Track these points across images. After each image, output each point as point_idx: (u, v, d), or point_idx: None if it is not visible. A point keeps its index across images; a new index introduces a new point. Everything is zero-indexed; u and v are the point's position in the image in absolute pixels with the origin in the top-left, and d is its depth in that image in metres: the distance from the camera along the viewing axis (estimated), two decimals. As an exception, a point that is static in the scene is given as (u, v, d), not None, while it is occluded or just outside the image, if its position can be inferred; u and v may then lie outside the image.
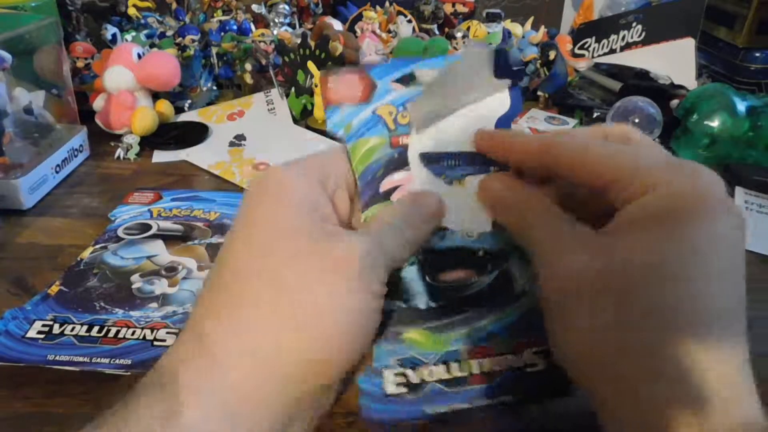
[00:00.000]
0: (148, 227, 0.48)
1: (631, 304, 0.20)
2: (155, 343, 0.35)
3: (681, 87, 0.71)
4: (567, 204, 0.25)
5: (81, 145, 0.63)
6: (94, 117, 0.68)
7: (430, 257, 0.27)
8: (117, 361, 0.34)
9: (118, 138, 0.66)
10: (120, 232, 0.47)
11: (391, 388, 0.27)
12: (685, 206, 0.21)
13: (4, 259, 0.47)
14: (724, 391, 0.20)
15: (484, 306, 0.28)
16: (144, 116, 0.65)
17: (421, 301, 0.27)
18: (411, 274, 0.27)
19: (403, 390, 0.27)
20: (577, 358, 0.22)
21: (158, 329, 0.37)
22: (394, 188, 0.27)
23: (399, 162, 0.27)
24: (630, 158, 0.23)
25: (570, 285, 0.22)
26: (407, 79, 0.28)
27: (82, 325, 0.37)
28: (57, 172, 0.58)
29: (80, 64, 0.72)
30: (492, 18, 1.01)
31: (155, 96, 0.70)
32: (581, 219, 0.24)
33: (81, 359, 0.34)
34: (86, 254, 0.44)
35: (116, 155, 0.64)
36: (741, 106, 0.62)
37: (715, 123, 0.62)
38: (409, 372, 0.27)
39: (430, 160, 0.28)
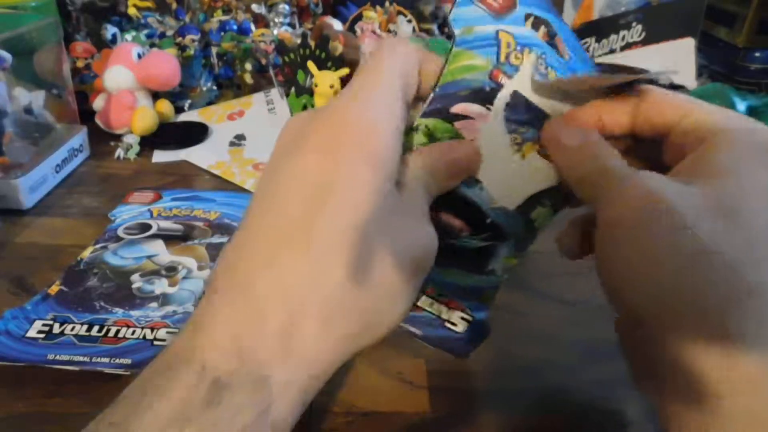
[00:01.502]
0: (148, 227, 0.48)
1: (730, 232, 0.19)
2: (155, 342, 0.35)
3: (681, 87, 0.71)
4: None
5: (81, 145, 0.63)
6: (94, 117, 0.68)
7: (446, 193, 0.26)
8: (117, 361, 0.34)
9: (118, 138, 0.66)
10: (120, 232, 0.47)
11: None
12: (756, 157, 0.21)
13: (4, 259, 0.47)
14: None
15: (454, 261, 0.28)
16: (144, 116, 0.65)
17: None
18: None
19: None
20: (655, 290, 0.20)
21: (158, 329, 0.37)
22: (463, 116, 0.25)
23: (486, 96, 0.25)
24: (694, 104, 0.23)
25: (653, 201, 0.21)
26: (539, 24, 0.27)
27: (82, 324, 0.37)
28: (57, 172, 0.58)
29: (80, 64, 0.72)
30: (492, 18, 1.01)
31: (155, 96, 0.70)
32: None
33: (81, 359, 0.34)
34: (86, 254, 0.44)
35: (116, 155, 0.64)
36: (741, 106, 0.62)
37: (715, 123, 0.62)
38: None
39: (514, 110, 0.26)
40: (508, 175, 0.26)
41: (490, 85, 0.25)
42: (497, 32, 0.26)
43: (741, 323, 0.19)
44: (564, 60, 0.28)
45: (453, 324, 0.29)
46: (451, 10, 0.26)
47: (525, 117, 0.26)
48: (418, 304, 0.29)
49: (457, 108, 0.25)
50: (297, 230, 0.20)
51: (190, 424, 0.18)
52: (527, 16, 0.27)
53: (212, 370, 0.19)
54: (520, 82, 0.26)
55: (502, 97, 0.26)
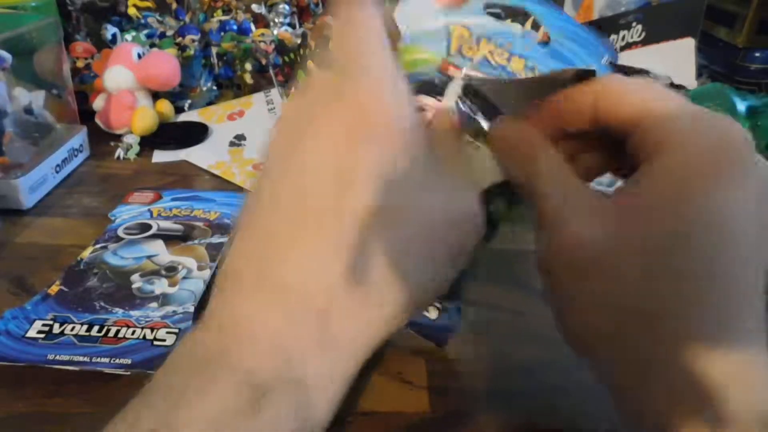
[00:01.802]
0: (148, 227, 0.48)
1: (655, 278, 0.19)
2: (155, 342, 0.35)
3: (681, 87, 0.71)
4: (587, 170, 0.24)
5: (81, 145, 0.63)
6: (94, 117, 0.68)
7: None
8: (117, 361, 0.34)
9: (118, 138, 0.66)
10: (120, 232, 0.47)
11: None
12: (705, 171, 0.19)
13: (4, 259, 0.47)
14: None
15: None
16: (144, 116, 0.65)
17: None
18: None
19: None
20: (588, 334, 0.21)
21: (158, 329, 0.37)
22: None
23: (436, 88, 0.25)
24: (657, 100, 0.22)
25: (582, 254, 0.20)
26: (508, 13, 0.26)
27: (82, 324, 0.37)
28: (57, 172, 0.58)
29: (80, 64, 0.72)
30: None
31: (155, 96, 0.70)
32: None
33: (81, 359, 0.34)
34: (86, 254, 0.44)
35: (116, 155, 0.64)
36: (741, 106, 0.62)
37: (715, 123, 0.62)
38: None
39: (464, 102, 0.25)
40: (474, 165, 0.26)
41: (440, 78, 0.26)
42: (448, 25, 0.26)
43: (665, 377, 0.19)
44: (544, 46, 0.27)
45: (426, 311, 0.30)
46: (395, 8, 0.26)
47: (475, 109, 0.25)
48: None
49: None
50: (323, 216, 0.19)
51: None
52: (490, 6, 0.27)
53: (252, 375, 0.17)
54: (472, 74, 0.26)
55: (453, 90, 0.25)
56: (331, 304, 0.19)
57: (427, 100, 0.26)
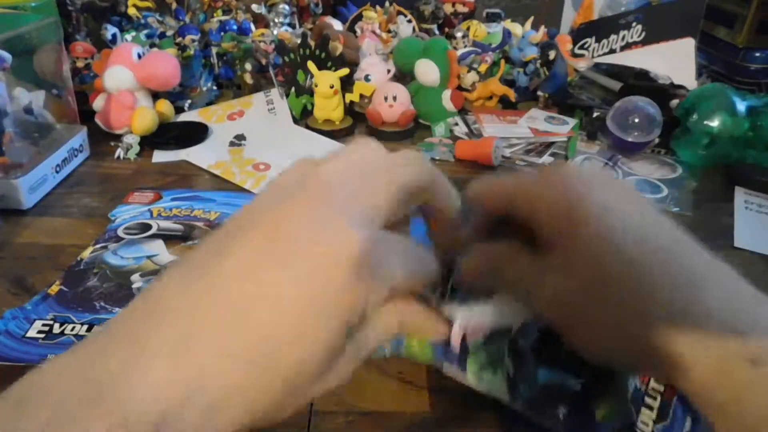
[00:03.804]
0: (149, 227, 0.48)
1: (605, 297, 0.24)
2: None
3: (681, 87, 0.71)
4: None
5: (81, 145, 0.63)
6: (94, 117, 0.68)
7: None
8: (117, 361, 0.34)
9: (118, 138, 0.66)
10: (120, 232, 0.47)
11: None
12: (568, 217, 0.24)
13: (4, 259, 0.47)
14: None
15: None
16: (144, 116, 0.65)
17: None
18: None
19: None
20: (587, 334, 0.25)
21: (158, 329, 0.36)
22: None
23: None
24: (525, 188, 0.27)
25: (558, 299, 0.25)
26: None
27: (82, 324, 0.37)
28: (57, 172, 0.58)
29: (80, 64, 0.72)
30: (492, 18, 1.01)
31: (155, 96, 0.70)
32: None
33: (81, 359, 0.34)
34: (86, 254, 0.44)
35: (116, 155, 0.64)
36: (741, 106, 0.62)
37: (715, 123, 0.62)
38: None
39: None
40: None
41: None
42: None
43: None
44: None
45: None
46: None
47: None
48: None
49: None
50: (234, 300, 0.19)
51: None
52: None
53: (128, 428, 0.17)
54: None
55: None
56: (221, 393, 0.18)
57: None
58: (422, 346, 0.31)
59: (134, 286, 0.41)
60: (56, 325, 0.37)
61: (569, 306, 0.25)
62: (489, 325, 0.28)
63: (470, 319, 0.28)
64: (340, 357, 0.20)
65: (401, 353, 0.30)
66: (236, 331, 0.18)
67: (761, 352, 0.21)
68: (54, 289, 0.40)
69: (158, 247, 0.45)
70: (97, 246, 0.46)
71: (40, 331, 0.36)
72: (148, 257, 0.44)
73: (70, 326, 0.37)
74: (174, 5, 0.89)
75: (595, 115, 0.72)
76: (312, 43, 0.74)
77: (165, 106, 0.70)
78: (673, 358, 0.22)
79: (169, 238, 0.46)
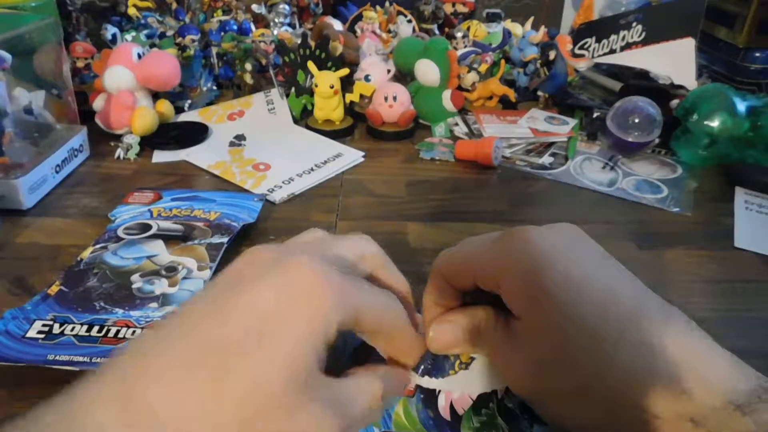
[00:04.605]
0: (148, 227, 0.48)
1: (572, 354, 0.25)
2: (155, 343, 0.35)
3: (681, 87, 0.71)
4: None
5: (81, 145, 0.63)
6: (94, 117, 0.68)
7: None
8: (117, 361, 0.34)
9: (118, 138, 0.66)
10: (120, 232, 0.47)
11: None
12: (528, 293, 0.25)
13: (4, 259, 0.47)
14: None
15: None
16: (144, 116, 0.65)
17: None
18: None
19: None
20: (557, 406, 0.27)
21: (158, 329, 0.36)
22: None
23: None
24: (470, 262, 0.28)
25: (526, 372, 0.26)
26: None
27: (82, 324, 0.37)
28: (57, 172, 0.58)
29: (80, 64, 0.72)
30: (492, 18, 1.01)
31: (155, 96, 0.70)
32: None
33: (81, 359, 0.34)
34: (86, 254, 0.44)
35: (116, 155, 0.64)
36: (741, 106, 0.62)
37: (715, 123, 0.62)
38: None
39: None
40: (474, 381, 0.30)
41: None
42: None
43: None
44: None
45: None
46: None
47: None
48: None
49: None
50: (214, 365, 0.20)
51: None
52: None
53: None
54: None
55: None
56: None
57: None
58: (408, 415, 0.31)
59: (134, 286, 0.41)
60: (56, 326, 0.37)
61: (536, 379, 0.26)
62: (475, 391, 0.29)
63: (455, 388, 0.29)
64: None
65: (391, 429, 0.30)
66: None
67: (702, 413, 0.23)
68: (54, 289, 0.40)
69: (158, 248, 0.45)
70: (97, 246, 0.46)
71: (40, 332, 0.36)
72: (148, 257, 0.44)
73: (70, 326, 0.37)
74: (174, 5, 0.90)
75: (595, 115, 0.72)
76: (312, 43, 0.74)
77: (165, 106, 0.70)
78: (638, 415, 0.24)
79: (169, 239, 0.46)
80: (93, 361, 0.34)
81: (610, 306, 0.25)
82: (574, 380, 0.25)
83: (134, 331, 0.36)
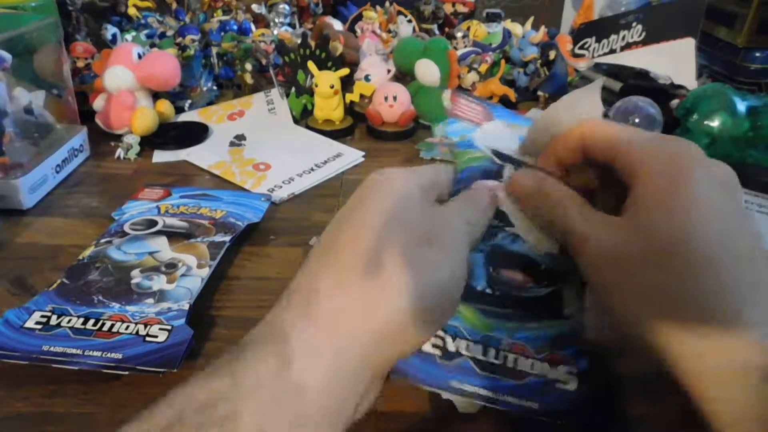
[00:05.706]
0: (155, 223, 0.48)
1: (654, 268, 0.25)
2: (147, 338, 0.35)
3: (681, 87, 0.71)
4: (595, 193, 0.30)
5: (81, 145, 0.63)
6: (94, 117, 0.68)
7: (497, 252, 0.32)
8: (108, 355, 0.34)
9: (118, 138, 0.66)
10: (126, 227, 0.48)
11: (425, 347, 0.30)
12: (666, 187, 0.25)
13: (4, 259, 0.47)
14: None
15: (532, 311, 0.31)
16: (144, 116, 0.65)
17: (480, 284, 0.31)
18: (477, 260, 0.32)
19: (437, 352, 0.30)
20: (629, 309, 0.26)
21: (152, 325, 0.36)
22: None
23: (495, 174, 0.34)
24: (622, 145, 0.28)
25: (605, 260, 0.26)
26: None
27: (78, 317, 0.37)
28: (57, 172, 0.58)
29: (80, 64, 0.72)
30: (492, 18, 1.01)
31: (155, 96, 0.70)
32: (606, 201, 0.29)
33: (74, 351, 0.34)
34: (86, 254, 0.44)
35: (116, 155, 0.64)
36: (741, 106, 0.62)
37: (715, 123, 0.62)
38: (448, 339, 0.31)
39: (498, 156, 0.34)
40: (533, 227, 0.31)
41: (496, 166, 0.34)
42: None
43: None
44: None
45: (563, 382, 0.30)
46: (443, 127, 0.34)
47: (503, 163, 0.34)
48: (519, 368, 0.31)
49: (477, 185, 0.31)
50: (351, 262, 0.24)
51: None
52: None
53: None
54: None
55: (507, 172, 0.33)
56: (336, 330, 0.23)
57: (490, 183, 0.32)
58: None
59: (133, 281, 0.41)
60: (54, 317, 0.37)
61: (626, 263, 0.25)
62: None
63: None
64: None
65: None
66: None
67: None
68: (54, 287, 0.40)
69: (161, 244, 0.45)
70: (102, 241, 0.46)
71: (38, 322, 0.36)
72: (150, 253, 0.44)
73: (67, 318, 0.37)
74: (174, 5, 0.90)
75: (595, 114, 0.72)
76: (312, 43, 0.74)
77: (165, 106, 0.70)
78: (692, 357, 0.24)
79: (172, 235, 0.46)
80: (85, 353, 0.34)
81: (732, 242, 0.24)
82: (665, 286, 0.25)
83: (128, 326, 0.36)
